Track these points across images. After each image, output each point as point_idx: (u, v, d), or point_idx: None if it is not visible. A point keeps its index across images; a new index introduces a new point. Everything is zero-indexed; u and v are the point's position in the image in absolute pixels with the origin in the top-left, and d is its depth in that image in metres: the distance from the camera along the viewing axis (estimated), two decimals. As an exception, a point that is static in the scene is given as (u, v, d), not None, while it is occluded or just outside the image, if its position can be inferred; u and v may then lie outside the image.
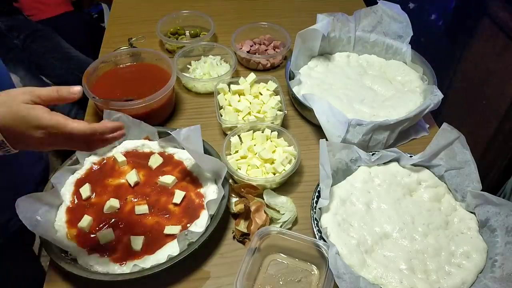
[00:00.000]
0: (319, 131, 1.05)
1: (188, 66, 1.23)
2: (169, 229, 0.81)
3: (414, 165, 0.93)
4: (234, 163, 0.93)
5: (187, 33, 1.37)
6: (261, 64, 1.25)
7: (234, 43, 1.25)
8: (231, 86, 1.11)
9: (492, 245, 0.80)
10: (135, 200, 0.87)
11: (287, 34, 1.29)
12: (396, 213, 0.84)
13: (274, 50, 1.28)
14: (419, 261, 0.78)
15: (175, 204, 0.86)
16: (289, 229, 0.86)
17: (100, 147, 0.70)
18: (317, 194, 0.85)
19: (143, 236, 0.80)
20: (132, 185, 0.89)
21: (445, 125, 0.88)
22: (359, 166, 0.92)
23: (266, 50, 1.29)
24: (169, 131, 0.93)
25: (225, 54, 1.24)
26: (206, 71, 1.19)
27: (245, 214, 0.86)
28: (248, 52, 1.27)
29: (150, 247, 0.79)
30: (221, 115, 1.03)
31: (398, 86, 1.16)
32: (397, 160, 0.93)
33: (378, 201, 0.86)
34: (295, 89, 1.11)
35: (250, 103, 1.06)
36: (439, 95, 1.03)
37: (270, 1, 1.59)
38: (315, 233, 0.79)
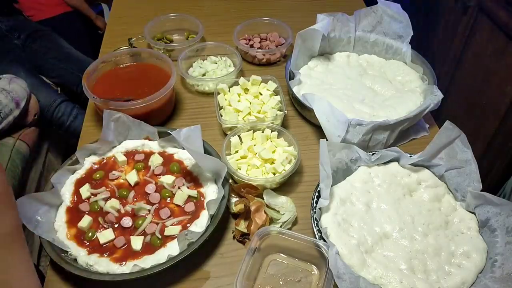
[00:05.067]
0: (319, 131, 1.05)
1: (191, 66, 1.23)
2: (169, 230, 0.81)
3: (414, 165, 0.93)
4: (234, 163, 0.93)
5: (175, 37, 1.37)
6: (257, 58, 1.26)
7: (236, 35, 1.26)
8: (232, 86, 1.11)
9: (492, 245, 0.80)
10: (135, 200, 0.87)
11: (289, 31, 1.29)
12: (396, 213, 0.84)
13: (276, 47, 1.29)
14: (419, 261, 0.78)
15: (176, 205, 0.86)
16: (289, 229, 0.86)
17: None
18: (317, 194, 0.85)
19: (143, 236, 0.80)
20: (132, 185, 0.89)
21: (447, 123, 0.87)
22: (359, 166, 0.92)
23: (267, 46, 1.30)
24: (169, 131, 0.93)
25: (230, 54, 1.25)
26: (209, 71, 1.20)
27: (245, 214, 0.86)
28: (246, 44, 1.28)
29: (150, 247, 0.79)
30: (221, 115, 1.03)
31: (398, 86, 1.16)
32: (397, 160, 0.93)
33: (378, 201, 0.86)
34: (295, 89, 1.11)
35: (250, 103, 1.07)
36: (439, 95, 1.03)
37: (270, 1, 1.59)
38: (315, 233, 0.79)
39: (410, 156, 0.92)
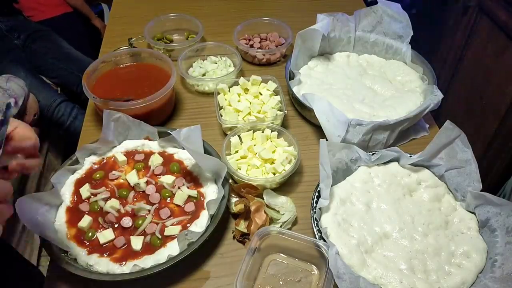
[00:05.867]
0: (319, 131, 1.05)
1: (191, 66, 1.23)
2: (169, 230, 0.81)
3: (414, 164, 0.93)
4: (234, 163, 0.93)
5: (175, 37, 1.38)
6: (257, 58, 1.26)
7: (236, 35, 1.26)
8: (232, 86, 1.11)
9: (492, 245, 0.80)
10: (135, 200, 0.87)
11: (289, 31, 1.29)
12: (396, 213, 0.84)
13: (276, 47, 1.29)
14: (419, 261, 0.78)
15: (176, 205, 0.86)
16: (289, 229, 0.86)
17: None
18: (317, 194, 0.85)
19: (143, 236, 0.80)
20: (132, 185, 0.89)
21: (448, 122, 0.87)
22: (359, 166, 0.92)
23: (267, 46, 1.30)
24: (169, 131, 0.93)
25: (230, 54, 1.25)
26: (209, 71, 1.20)
27: (245, 214, 0.86)
28: (246, 44, 1.28)
29: (150, 247, 0.79)
30: (221, 115, 1.03)
31: (398, 86, 1.16)
32: (397, 160, 0.93)
33: (378, 201, 0.86)
34: (295, 89, 1.11)
35: (250, 103, 1.07)
36: (439, 95, 1.03)
37: (270, 1, 1.59)
38: (315, 233, 0.79)
39: (410, 156, 0.92)
